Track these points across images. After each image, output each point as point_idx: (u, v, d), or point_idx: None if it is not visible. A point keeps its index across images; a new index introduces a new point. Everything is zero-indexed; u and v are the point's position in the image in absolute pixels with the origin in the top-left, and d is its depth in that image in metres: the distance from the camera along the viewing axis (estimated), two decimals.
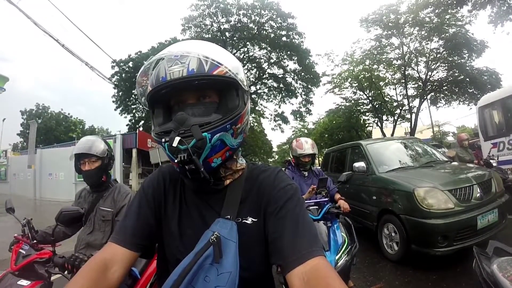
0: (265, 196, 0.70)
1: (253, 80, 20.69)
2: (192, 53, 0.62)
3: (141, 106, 19.01)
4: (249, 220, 0.68)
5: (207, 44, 0.70)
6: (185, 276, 0.57)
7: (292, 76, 20.93)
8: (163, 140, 0.62)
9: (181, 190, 0.75)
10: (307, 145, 2.74)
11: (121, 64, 18.95)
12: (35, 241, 1.50)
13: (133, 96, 19.46)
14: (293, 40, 18.97)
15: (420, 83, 17.13)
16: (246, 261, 0.63)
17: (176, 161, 0.61)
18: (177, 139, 0.60)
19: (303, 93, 21.25)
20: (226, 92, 0.67)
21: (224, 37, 19.14)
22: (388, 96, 19.10)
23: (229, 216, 0.66)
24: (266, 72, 21.00)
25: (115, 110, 20.82)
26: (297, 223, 0.64)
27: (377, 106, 19.06)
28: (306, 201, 2.34)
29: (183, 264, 0.59)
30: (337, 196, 2.64)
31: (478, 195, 3.12)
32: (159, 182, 0.76)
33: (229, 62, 0.66)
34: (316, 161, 3.42)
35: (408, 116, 18.00)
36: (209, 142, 0.61)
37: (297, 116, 22.23)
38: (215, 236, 0.61)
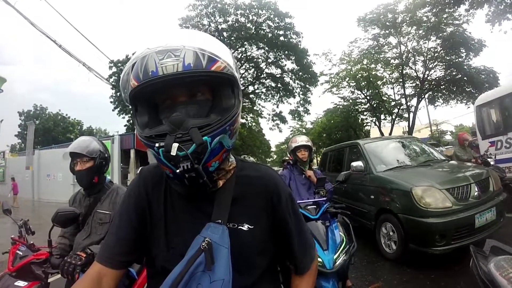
0: (261, 201, 0.69)
1: (251, 80, 20.64)
2: (187, 46, 0.55)
3: None
4: (245, 227, 0.65)
5: (200, 35, 0.63)
6: (176, 286, 0.55)
7: (290, 76, 20.89)
8: (156, 145, 0.55)
9: (166, 194, 0.69)
10: (301, 138, 2.84)
11: (119, 64, 18.87)
12: (32, 242, 1.50)
13: None
14: (291, 40, 18.93)
15: (418, 82, 17.21)
16: (245, 267, 0.63)
17: (178, 171, 0.54)
18: (176, 145, 0.53)
19: (301, 92, 21.23)
20: (221, 89, 0.61)
21: (221, 37, 19.06)
22: (386, 95, 19.13)
23: (220, 220, 0.62)
24: (264, 72, 20.94)
25: (113, 110, 20.82)
26: (299, 223, 0.68)
27: (375, 105, 19.07)
28: (304, 201, 2.35)
29: (174, 273, 0.56)
30: (309, 172, 2.75)
31: (476, 193, 3.13)
32: (140, 189, 0.70)
33: (226, 56, 0.60)
34: (315, 160, 3.42)
35: (406, 115, 18.09)
36: (210, 146, 0.56)
37: (295, 115, 22.20)
38: (206, 242, 0.58)
